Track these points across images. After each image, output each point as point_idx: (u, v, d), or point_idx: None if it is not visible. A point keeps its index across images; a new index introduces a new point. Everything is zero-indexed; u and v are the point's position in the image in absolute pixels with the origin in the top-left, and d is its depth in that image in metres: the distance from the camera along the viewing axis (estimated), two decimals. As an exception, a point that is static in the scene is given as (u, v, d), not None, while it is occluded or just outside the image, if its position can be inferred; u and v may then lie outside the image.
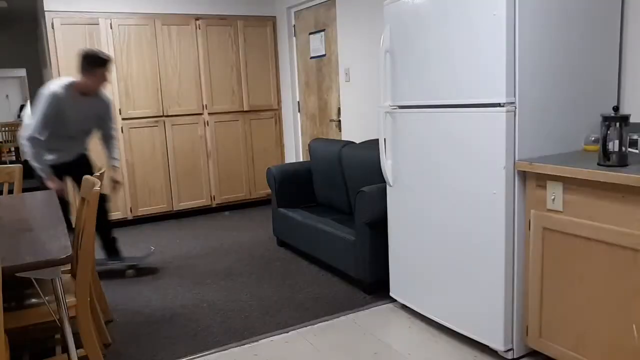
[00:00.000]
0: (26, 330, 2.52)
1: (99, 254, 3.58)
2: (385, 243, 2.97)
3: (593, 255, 1.88)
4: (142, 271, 3.67)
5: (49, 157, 3.32)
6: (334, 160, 3.69)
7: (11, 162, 10.00)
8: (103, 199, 3.46)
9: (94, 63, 3.18)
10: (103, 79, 3.24)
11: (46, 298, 2.03)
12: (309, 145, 4.11)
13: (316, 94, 5.02)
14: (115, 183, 3.55)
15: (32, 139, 3.13)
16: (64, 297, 1.86)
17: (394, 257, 2.81)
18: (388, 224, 2.83)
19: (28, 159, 3.17)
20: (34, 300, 2.06)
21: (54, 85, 3.18)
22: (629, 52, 2.34)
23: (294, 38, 5.28)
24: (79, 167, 3.48)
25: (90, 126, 3.45)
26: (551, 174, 1.98)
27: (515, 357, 2.25)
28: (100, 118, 3.45)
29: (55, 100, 3.15)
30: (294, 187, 4.02)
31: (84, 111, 3.32)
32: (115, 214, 4.93)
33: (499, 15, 2.01)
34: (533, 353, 2.27)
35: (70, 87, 3.21)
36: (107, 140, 3.56)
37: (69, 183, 3.55)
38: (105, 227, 3.63)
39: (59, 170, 3.37)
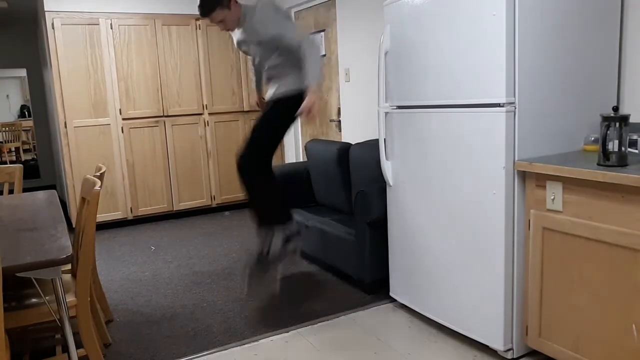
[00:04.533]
0: (26, 330, 2.53)
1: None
2: (385, 243, 2.97)
3: (593, 256, 1.89)
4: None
5: None
6: (331, 161, 3.69)
7: (12, 162, 10.00)
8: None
9: None
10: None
11: (46, 298, 2.03)
12: (305, 146, 4.11)
13: (316, 94, 5.01)
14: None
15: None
16: (64, 297, 1.86)
17: (393, 257, 2.82)
18: (388, 224, 2.83)
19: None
20: (34, 300, 2.07)
21: None
22: (628, 52, 2.34)
23: (294, 38, 5.27)
24: None
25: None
26: (551, 174, 1.98)
27: (514, 356, 2.26)
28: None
29: None
30: (293, 187, 4.02)
31: None
32: (115, 214, 4.93)
33: (498, 15, 2.01)
34: (533, 353, 2.28)
35: None
36: None
37: None
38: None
39: None
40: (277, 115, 2.83)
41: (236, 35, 2.99)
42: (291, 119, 2.85)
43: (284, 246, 2.79)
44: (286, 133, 2.88)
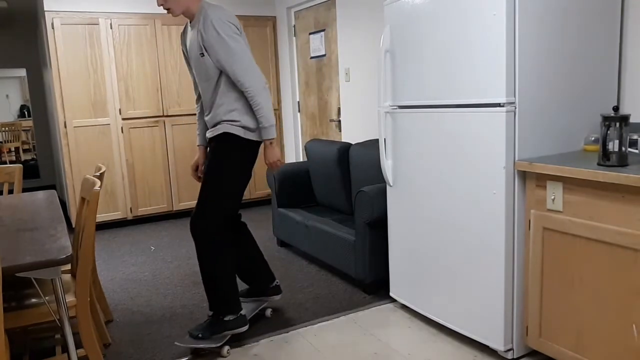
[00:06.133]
0: (26, 330, 2.53)
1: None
2: (385, 243, 2.97)
3: (593, 255, 1.89)
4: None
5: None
6: (331, 161, 3.69)
7: (11, 162, 10.00)
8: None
9: None
10: None
11: (46, 298, 2.03)
12: (305, 146, 4.11)
13: (316, 94, 5.02)
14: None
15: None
16: (64, 297, 1.86)
17: (393, 257, 2.82)
18: (388, 224, 2.83)
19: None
20: (34, 300, 2.06)
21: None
22: (629, 52, 2.34)
23: (294, 38, 5.28)
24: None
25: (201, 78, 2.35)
26: (551, 174, 1.98)
27: (515, 357, 2.26)
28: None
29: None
30: (293, 187, 4.02)
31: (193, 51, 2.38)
32: (115, 214, 4.93)
33: (499, 15, 2.01)
34: (533, 353, 2.27)
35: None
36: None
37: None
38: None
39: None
40: (214, 166, 2.37)
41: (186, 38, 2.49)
42: (234, 169, 2.35)
43: (211, 337, 2.40)
44: (237, 187, 2.42)
